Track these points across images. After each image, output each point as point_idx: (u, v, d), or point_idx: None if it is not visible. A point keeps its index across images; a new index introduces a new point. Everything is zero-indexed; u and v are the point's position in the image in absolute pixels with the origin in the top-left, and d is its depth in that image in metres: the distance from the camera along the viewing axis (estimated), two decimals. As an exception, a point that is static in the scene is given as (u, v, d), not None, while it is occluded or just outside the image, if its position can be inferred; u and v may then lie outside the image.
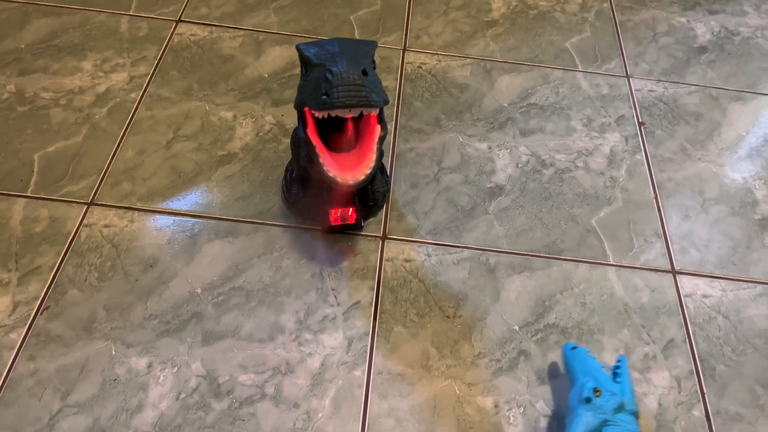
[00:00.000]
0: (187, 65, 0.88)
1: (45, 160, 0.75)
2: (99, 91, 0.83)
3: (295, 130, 0.66)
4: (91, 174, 0.74)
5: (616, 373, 0.57)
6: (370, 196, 0.68)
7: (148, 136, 0.79)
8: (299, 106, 0.57)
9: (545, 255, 0.72)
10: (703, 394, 0.63)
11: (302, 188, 0.68)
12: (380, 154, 0.57)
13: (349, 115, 0.53)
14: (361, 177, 0.54)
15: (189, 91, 0.84)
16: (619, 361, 0.59)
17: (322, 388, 0.60)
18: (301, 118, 0.57)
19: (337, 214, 0.67)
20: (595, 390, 0.53)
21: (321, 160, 0.54)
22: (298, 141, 0.63)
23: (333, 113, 0.52)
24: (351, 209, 0.67)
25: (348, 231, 0.71)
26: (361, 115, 0.54)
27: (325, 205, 0.66)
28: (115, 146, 0.77)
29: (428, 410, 0.59)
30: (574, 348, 0.59)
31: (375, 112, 0.54)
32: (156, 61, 0.87)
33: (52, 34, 0.89)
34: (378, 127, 0.56)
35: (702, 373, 0.64)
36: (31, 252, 0.67)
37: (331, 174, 0.54)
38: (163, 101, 0.83)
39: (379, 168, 0.72)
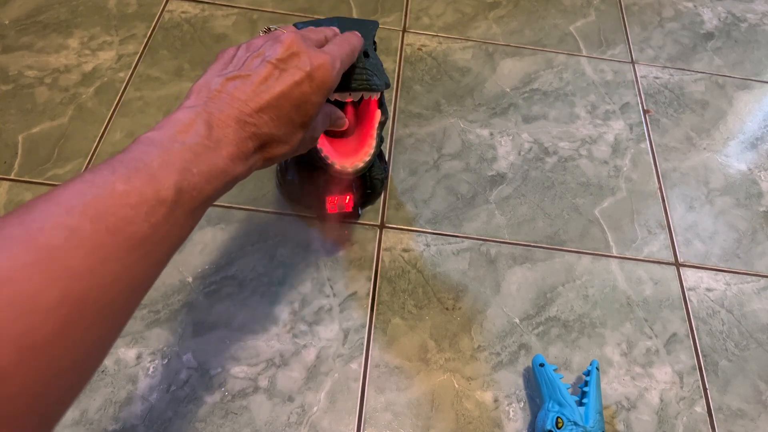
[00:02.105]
0: (177, 44, 0.84)
1: (29, 141, 0.72)
2: (86, 70, 0.80)
3: None
4: (77, 157, 0.71)
5: (583, 391, 0.56)
6: (367, 183, 0.66)
7: (137, 118, 0.76)
8: None
9: (547, 246, 0.70)
10: (705, 389, 0.62)
11: (298, 175, 0.65)
12: (380, 140, 0.54)
13: (348, 99, 0.50)
14: (361, 164, 0.52)
15: (180, 72, 0.81)
16: (587, 373, 0.58)
17: (318, 381, 0.58)
18: None
19: (333, 202, 0.64)
20: (558, 420, 0.52)
21: (319, 146, 0.51)
22: None
23: (332, 97, 0.49)
24: (348, 197, 0.64)
25: (345, 219, 0.69)
26: (360, 99, 0.52)
27: (322, 192, 0.64)
28: (103, 128, 0.74)
29: (426, 404, 0.58)
30: (542, 365, 0.57)
31: (376, 97, 0.52)
32: (145, 40, 0.84)
33: (37, 9, 0.85)
34: (378, 112, 0.54)
35: (705, 368, 0.63)
36: (14, 237, 0.64)
37: (329, 161, 0.51)
38: (152, 81, 0.80)
39: (378, 154, 0.69)
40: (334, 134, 0.56)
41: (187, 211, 0.28)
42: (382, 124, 0.55)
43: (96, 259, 0.23)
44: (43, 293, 0.21)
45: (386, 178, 0.72)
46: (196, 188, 0.29)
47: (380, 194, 0.71)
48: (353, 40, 0.44)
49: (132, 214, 0.25)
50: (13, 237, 0.22)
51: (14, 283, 0.21)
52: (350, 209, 0.66)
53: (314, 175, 0.64)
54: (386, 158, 0.75)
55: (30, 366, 0.21)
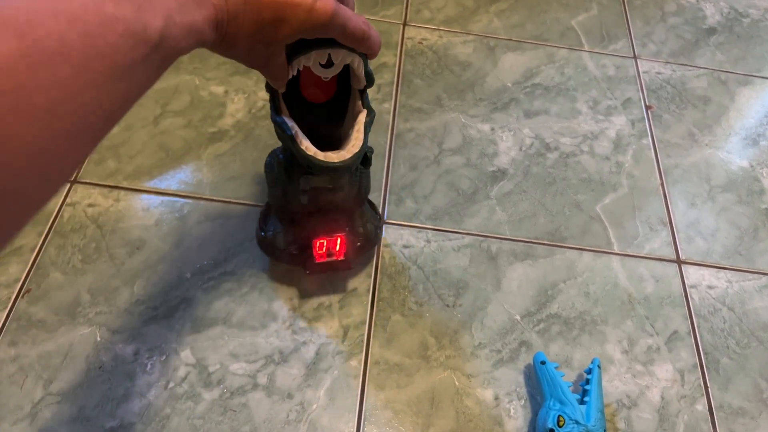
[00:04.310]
0: (176, 36, 0.83)
1: (25, 134, 0.71)
2: (83, 62, 0.78)
3: (269, 154, 0.58)
4: (74, 150, 0.70)
5: (585, 390, 0.56)
6: (359, 229, 0.60)
7: (134, 111, 0.75)
8: (269, 86, 0.48)
9: (548, 242, 0.70)
10: (706, 387, 0.61)
11: (280, 223, 0.59)
12: (366, 138, 0.50)
13: (325, 75, 0.46)
14: (348, 156, 0.46)
15: (178, 64, 0.80)
16: (589, 371, 0.57)
17: (317, 379, 0.58)
18: (273, 100, 0.49)
19: (323, 248, 0.57)
20: (559, 418, 0.52)
21: (297, 139, 0.46)
22: (272, 163, 0.57)
23: (300, 64, 0.43)
24: (339, 239, 0.57)
25: (337, 270, 0.61)
26: (346, 75, 0.48)
27: (308, 237, 0.57)
28: (100, 121, 0.73)
29: (426, 402, 0.58)
30: (543, 363, 0.57)
31: (354, 62, 0.45)
32: (143, 31, 0.83)
33: None
34: (359, 104, 0.50)
35: (706, 366, 0.63)
36: (10, 232, 0.63)
37: (310, 152, 0.46)
38: (150, 74, 0.79)
39: (369, 203, 0.64)
40: (314, 99, 0.52)
41: (161, 58, 0.28)
42: (368, 124, 0.50)
43: (81, 83, 0.23)
44: (33, 97, 0.21)
45: (380, 228, 0.65)
46: (175, 40, 0.29)
47: (375, 244, 0.64)
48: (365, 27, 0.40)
49: (118, 43, 0.25)
50: (6, 25, 0.21)
51: (10, 75, 0.20)
52: (342, 256, 0.58)
53: (298, 221, 0.58)
54: (386, 154, 0.74)
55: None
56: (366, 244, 0.61)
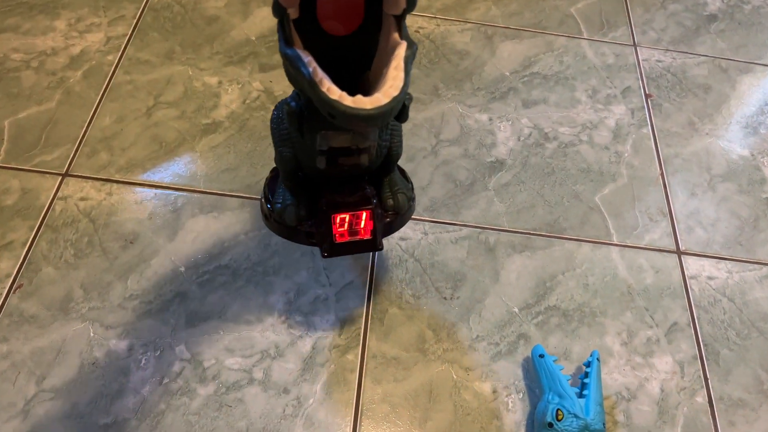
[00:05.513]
0: (168, 26, 0.82)
1: (16, 126, 0.70)
2: (73, 53, 0.77)
3: (276, 106, 0.48)
4: (65, 143, 0.69)
5: (584, 383, 0.55)
6: (389, 201, 0.49)
7: (126, 103, 0.74)
8: (277, 8, 0.37)
9: (547, 234, 0.69)
10: (706, 379, 0.61)
11: (291, 193, 0.49)
12: (408, 78, 0.37)
13: None
14: (385, 101, 0.34)
15: (170, 55, 0.79)
16: (588, 364, 0.57)
17: (314, 373, 0.57)
18: (282, 27, 0.38)
19: (344, 225, 0.46)
20: (558, 412, 0.51)
21: (317, 78, 0.35)
22: (280, 117, 0.46)
23: None
24: (365, 214, 0.45)
25: (362, 252, 0.50)
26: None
27: (326, 210, 0.45)
28: (92, 113, 0.72)
29: (424, 396, 0.57)
30: (541, 356, 0.56)
31: None
32: (135, 21, 0.82)
33: (22, -11, 0.83)
34: (395, 35, 0.39)
35: (706, 357, 0.62)
36: (2, 226, 0.62)
37: (334, 96, 0.34)
38: (142, 65, 0.77)
39: (399, 169, 0.53)
40: (334, 30, 0.41)
41: None
42: (409, 59, 0.38)
43: None
44: None
45: (413, 200, 0.53)
46: None
47: (407, 220, 0.53)
48: None
49: None
50: None
51: None
52: (368, 235, 0.47)
53: (313, 191, 0.48)
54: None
55: None
56: (396, 220, 0.49)
